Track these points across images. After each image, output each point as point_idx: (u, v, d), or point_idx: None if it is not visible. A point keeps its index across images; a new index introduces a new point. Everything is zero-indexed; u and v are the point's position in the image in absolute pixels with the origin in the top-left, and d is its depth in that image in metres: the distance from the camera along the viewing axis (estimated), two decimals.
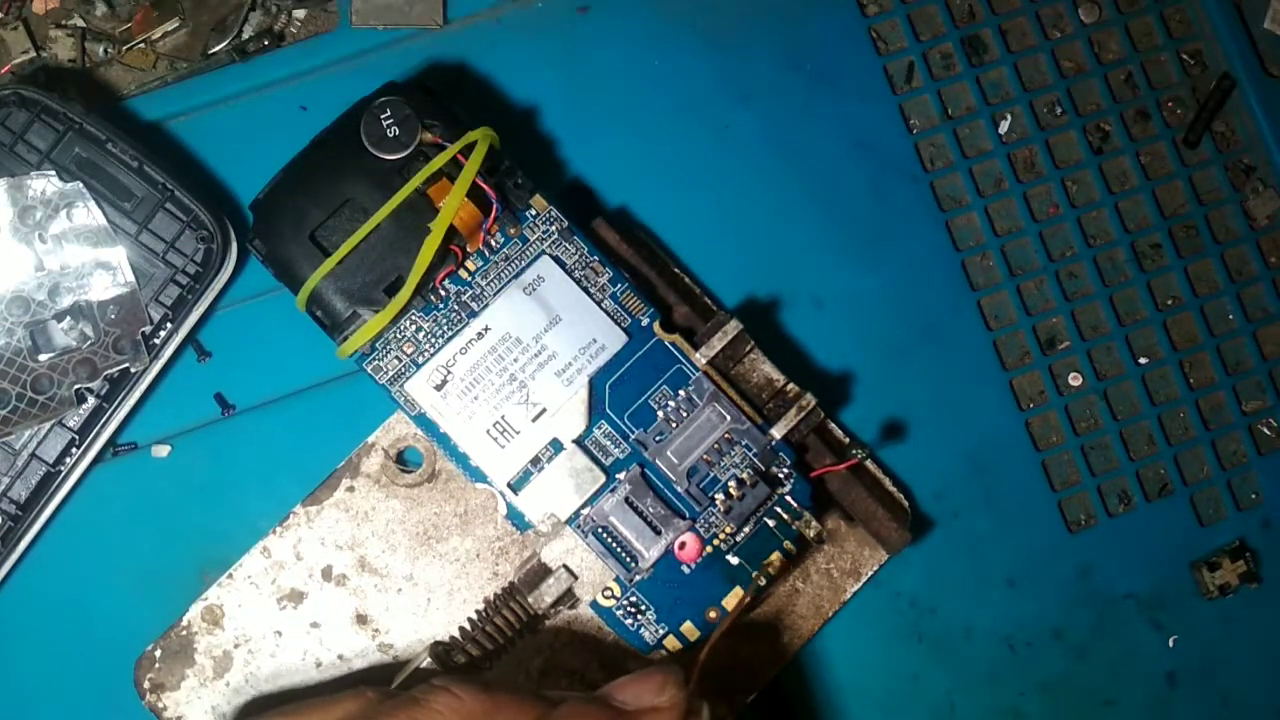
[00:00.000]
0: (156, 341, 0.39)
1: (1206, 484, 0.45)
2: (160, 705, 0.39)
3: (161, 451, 0.41)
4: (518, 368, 0.37)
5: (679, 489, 0.37)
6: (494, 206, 0.37)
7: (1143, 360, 0.45)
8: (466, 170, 0.36)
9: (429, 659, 0.36)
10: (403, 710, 0.31)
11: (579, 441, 0.37)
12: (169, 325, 0.39)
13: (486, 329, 0.37)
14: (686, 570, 0.37)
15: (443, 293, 0.37)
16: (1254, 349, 0.45)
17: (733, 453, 0.37)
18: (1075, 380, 0.45)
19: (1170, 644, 0.43)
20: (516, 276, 0.38)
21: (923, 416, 0.43)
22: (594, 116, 0.44)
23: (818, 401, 0.38)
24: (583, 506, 0.37)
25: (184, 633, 0.39)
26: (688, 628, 0.37)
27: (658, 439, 0.37)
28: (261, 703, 0.39)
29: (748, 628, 0.40)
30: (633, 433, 0.37)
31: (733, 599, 0.36)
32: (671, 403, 0.37)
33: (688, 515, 0.37)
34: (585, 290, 0.38)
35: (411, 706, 0.31)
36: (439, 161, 0.36)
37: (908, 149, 0.45)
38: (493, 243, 0.38)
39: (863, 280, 0.44)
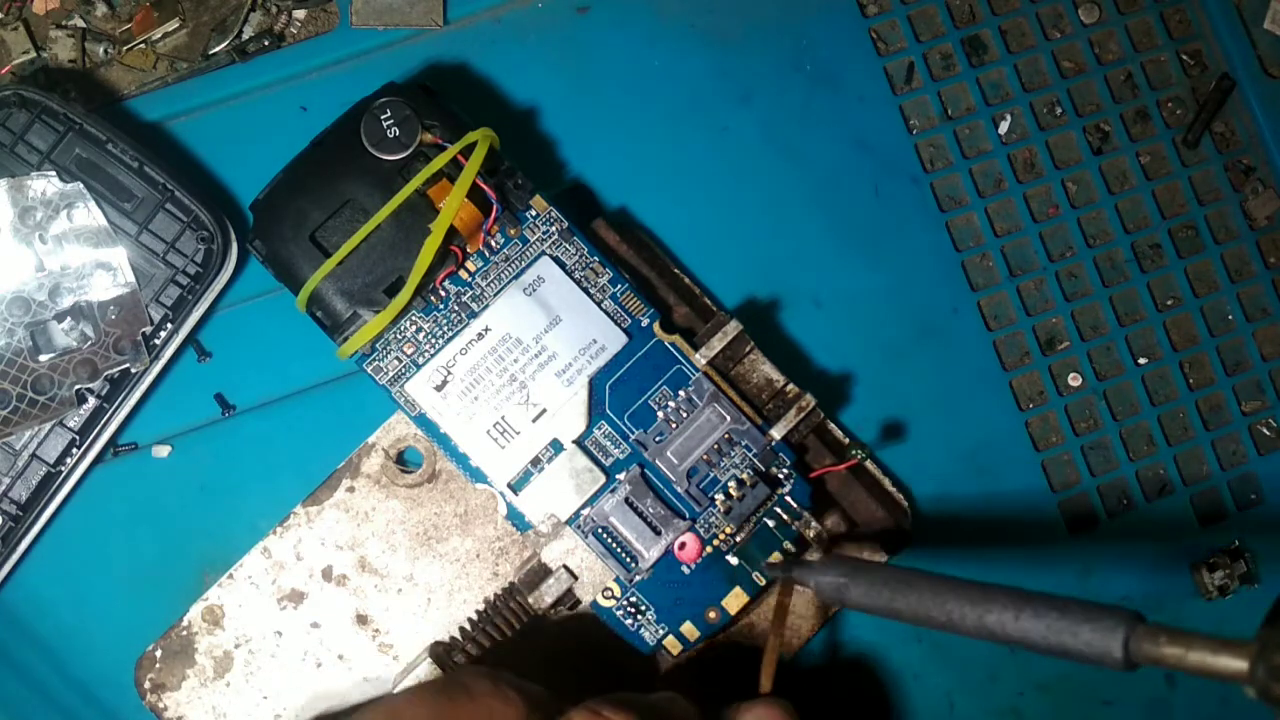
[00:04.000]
0: (157, 342, 0.39)
1: (1206, 484, 0.45)
2: (161, 705, 0.39)
3: (162, 452, 0.41)
4: (518, 368, 0.37)
5: (679, 489, 0.37)
6: (494, 207, 0.37)
7: (1142, 360, 0.45)
8: (466, 171, 0.36)
9: (429, 659, 0.36)
10: None
11: (579, 442, 0.37)
12: (169, 325, 0.39)
13: (487, 329, 0.37)
14: (686, 570, 0.37)
15: (443, 293, 0.37)
16: (1253, 349, 0.45)
17: (733, 453, 0.37)
18: (1075, 380, 0.45)
19: None
20: (517, 277, 0.38)
21: (923, 416, 0.43)
22: (594, 117, 0.44)
23: (817, 402, 0.38)
24: (583, 507, 0.37)
25: (184, 633, 0.39)
26: (687, 628, 0.37)
27: (658, 439, 0.37)
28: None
29: (746, 628, 0.40)
30: (633, 433, 0.37)
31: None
32: (671, 403, 0.37)
33: (688, 516, 0.37)
34: (585, 291, 0.38)
35: None
36: (439, 162, 0.36)
37: (908, 149, 0.45)
38: (493, 243, 0.38)
39: (863, 280, 0.44)
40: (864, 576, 0.29)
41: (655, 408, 0.37)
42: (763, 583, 0.37)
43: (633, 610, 0.37)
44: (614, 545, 0.37)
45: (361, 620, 0.39)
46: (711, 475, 0.37)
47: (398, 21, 0.43)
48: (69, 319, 0.39)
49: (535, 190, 0.38)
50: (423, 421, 0.37)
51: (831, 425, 0.41)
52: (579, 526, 0.37)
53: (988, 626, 0.25)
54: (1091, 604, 0.24)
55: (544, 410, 0.37)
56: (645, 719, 0.29)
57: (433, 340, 0.37)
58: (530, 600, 0.37)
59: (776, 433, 0.37)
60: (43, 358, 0.38)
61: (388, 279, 0.37)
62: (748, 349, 0.39)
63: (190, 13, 0.44)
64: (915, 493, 0.43)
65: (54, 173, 0.38)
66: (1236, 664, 0.22)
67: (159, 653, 0.39)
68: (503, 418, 0.37)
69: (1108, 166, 0.46)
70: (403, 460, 0.40)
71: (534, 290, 0.38)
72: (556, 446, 0.37)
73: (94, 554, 0.41)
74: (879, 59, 0.45)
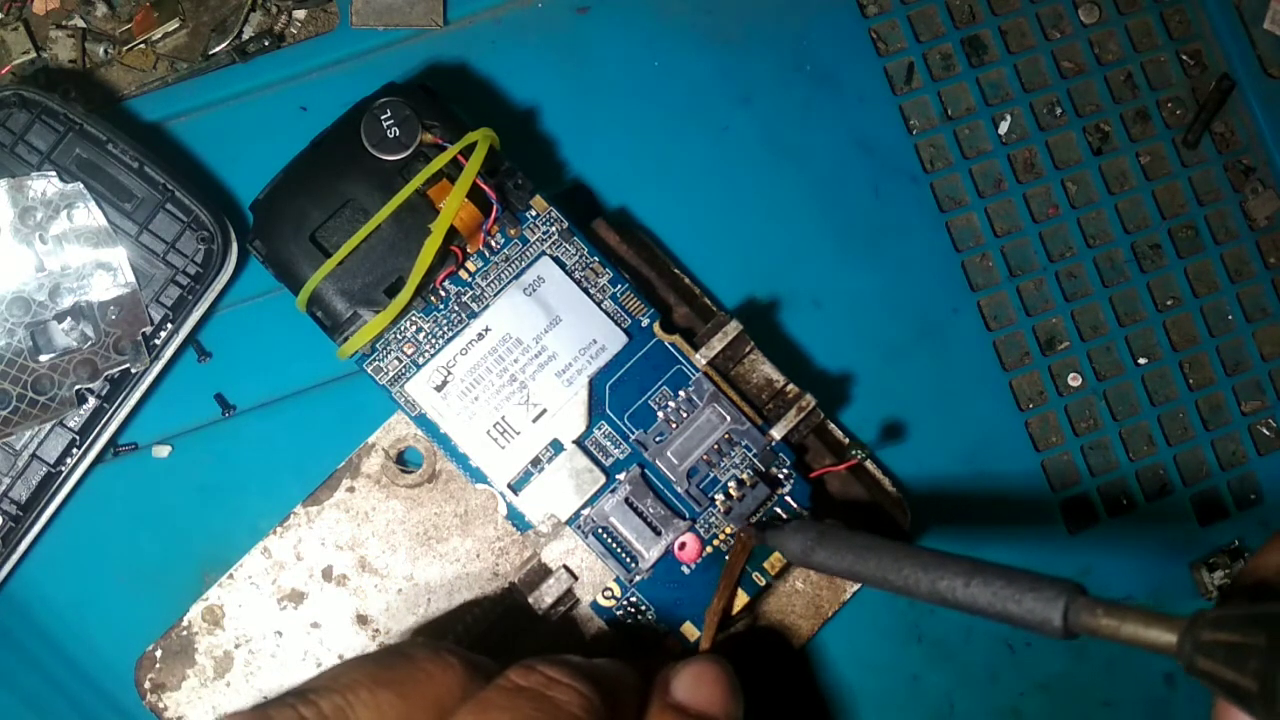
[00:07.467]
0: (157, 342, 0.39)
1: (1206, 484, 0.45)
2: (161, 705, 0.39)
3: (162, 452, 0.41)
4: (518, 368, 0.37)
5: (679, 489, 0.37)
6: (494, 207, 0.37)
7: (1142, 360, 0.45)
8: (467, 171, 0.36)
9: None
10: (527, 703, 0.29)
11: (579, 442, 0.37)
12: (169, 326, 0.39)
13: (487, 330, 0.37)
14: (686, 570, 0.37)
15: (443, 293, 0.38)
16: (1253, 349, 0.46)
17: (733, 453, 0.37)
18: (1075, 380, 0.45)
19: None
20: (517, 277, 0.38)
21: (923, 416, 0.43)
22: (594, 117, 0.44)
23: (817, 402, 0.38)
24: (583, 507, 0.37)
25: (184, 633, 0.39)
26: (687, 628, 0.37)
27: (658, 439, 0.37)
28: None
29: (747, 628, 0.40)
30: (633, 433, 0.37)
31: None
32: (671, 403, 0.37)
33: (688, 516, 0.37)
34: (585, 291, 0.38)
35: (538, 702, 0.29)
36: (439, 162, 0.36)
37: (908, 149, 0.45)
38: (493, 243, 0.38)
39: (863, 280, 0.44)
40: (830, 541, 0.31)
41: (655, 408, 0.37)
42: (763, 583, 0.37)
43: (633, 610, 0.37)
44: (614, 545, 0.37)
45: (361, 620, 0.39)
46: (711, 475, 0.37)
47: (398, 21, 0.43)
48: (69, 319, 0.39)
49: (535, 190, 0.38)
50: (423, 421, 0.37)
51: (831, 425, 0.41)
52: (579, 526, 0.37)
53: (939, 591, 0.27)
54: (1037, 574, 0.25)
55: (544, 410, 0.37)
56: (581, 676, 0.30)
57: (433, 340, 0.37)
58: (530, 600, 0.37)
59: (776, 433, 0.37)
60: (43, 358, 0.38)
61: (388, 279, 0.37)
62: (748, 349, 0.39)
63: (190, 13, 0.44)
64: (915, 493, 0.43)
65: (54, 173, 0.38)
66: (1166, 637, 0.22)
67: (159, 653, 0.39)
68: (503, 418, 0.37)
69: (1108, 167, 0.46)
70: (403, 460, 0.40)
71: (534, 290, 0.38)
72: (556, 446, 0.37)
73: (94, 554, 0.41)
74: (879, 59, 0.45)
